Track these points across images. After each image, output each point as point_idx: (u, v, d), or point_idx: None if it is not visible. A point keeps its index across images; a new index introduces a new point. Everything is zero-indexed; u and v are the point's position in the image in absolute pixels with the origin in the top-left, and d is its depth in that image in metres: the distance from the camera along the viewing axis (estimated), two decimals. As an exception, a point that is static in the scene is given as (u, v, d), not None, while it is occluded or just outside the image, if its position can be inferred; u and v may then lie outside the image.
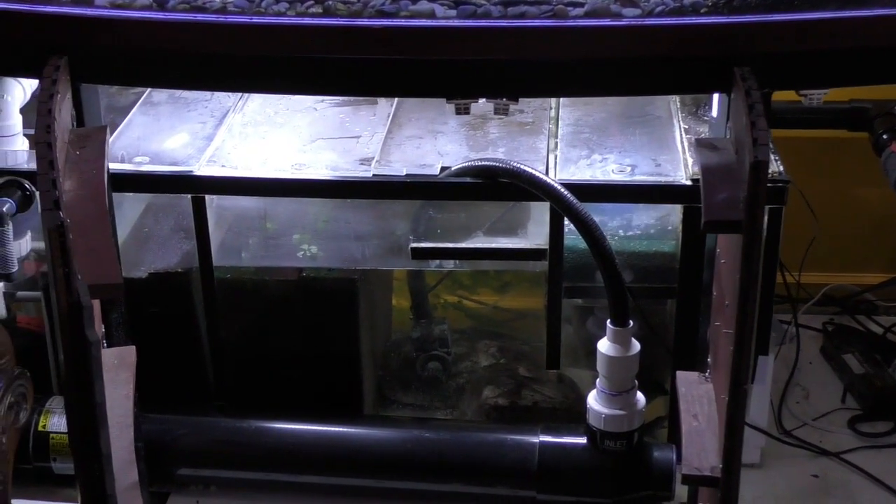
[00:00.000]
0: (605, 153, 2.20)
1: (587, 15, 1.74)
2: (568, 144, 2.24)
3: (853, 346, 2.77)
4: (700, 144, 1.72)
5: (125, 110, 2.37)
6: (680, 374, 1.93)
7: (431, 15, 1.74)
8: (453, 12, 1.75)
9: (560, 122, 2.32)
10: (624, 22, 1.72)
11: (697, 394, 1.86)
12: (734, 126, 1.71)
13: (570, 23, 1.73)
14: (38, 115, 1.62)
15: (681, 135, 2.24)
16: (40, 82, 1.72)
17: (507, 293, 2.59)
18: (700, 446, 1.73)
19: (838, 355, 2.77)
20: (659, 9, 1.73)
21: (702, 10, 1.73)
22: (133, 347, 1.89)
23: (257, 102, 2.40)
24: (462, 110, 2.00)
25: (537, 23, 1.73)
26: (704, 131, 2.23)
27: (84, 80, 1.84)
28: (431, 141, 2.26)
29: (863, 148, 2.46)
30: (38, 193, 2.18)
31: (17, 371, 1.34)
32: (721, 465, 1.65)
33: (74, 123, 1.82)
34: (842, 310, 2.95)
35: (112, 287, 1.40)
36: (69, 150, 1.69)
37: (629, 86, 1.81)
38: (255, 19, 1.75)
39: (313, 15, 1.75)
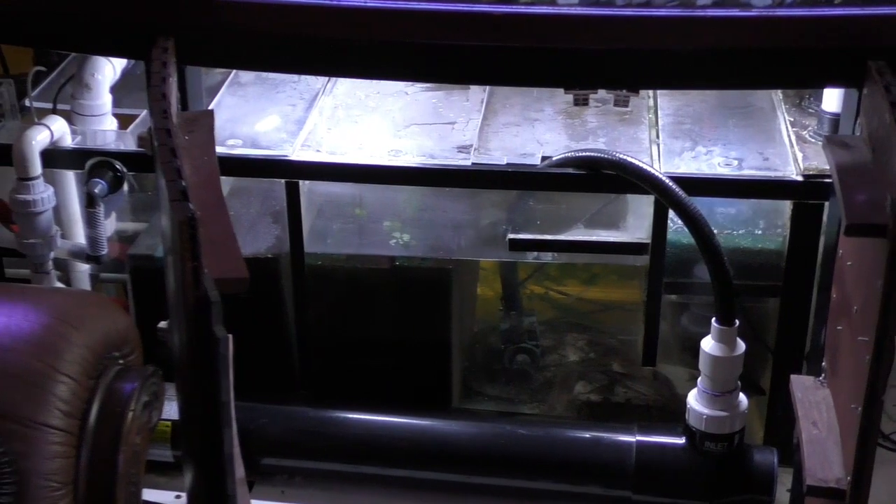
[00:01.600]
0: (710, 145, 2.13)
1: (715, 4, 1.67)
2: (670, 136, 2.18)
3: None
4: (831, 142, 1.65)
5: (212, 91, 2.32)
6: (795, 378, 1.86)
7: (553, 2, 1.68)
8: (575, 0, 1.69)
9: (659, 112, 2.26)
10: (754, 12, 1.66)
11: (815, 399, 1.79)
12: (867, 123, 1.64)
13: (698, 12, 1.66)
14: (151, 99, 1.57)
15: (786, 127, 2.17)
16: (150, 64, 1.67)
17: (594, 285, 2.53)
18: (823, 457, 1.67)
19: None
20: (791, -1, 1.66)
21: (836, 1, 1.66)
22: (229, 337, 1.84)
23: (347, 85, 2.35)
24: (581, 101, 1.94)
25: (663, 12, 1.66)
26: (812, 124, 2.16)
27: (190, 63, 1.80)
28: (529, 129, 2.21)
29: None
30: (128, 174, 2.14)
31: (150, 369, 1.29)
32: (848, 478, 1.59)
33: (179, 106, 1.77)
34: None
35: (238, 281, 1.35)
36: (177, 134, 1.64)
37: (755, 79, 1.75)
38: (370, 3, 1.69)
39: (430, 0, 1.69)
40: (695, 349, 2.07)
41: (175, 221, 1.30)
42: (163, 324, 2.01)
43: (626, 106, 2.08)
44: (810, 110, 2.21)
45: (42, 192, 2.10)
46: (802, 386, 1.84)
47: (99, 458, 1.23)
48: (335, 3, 1.69)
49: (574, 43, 1.68)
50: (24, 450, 1.14)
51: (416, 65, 1.73)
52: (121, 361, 1.29)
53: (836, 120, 2.05)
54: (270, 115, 2.24)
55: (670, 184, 1.96)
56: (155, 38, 1.72)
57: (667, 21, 1.66)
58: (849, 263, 1.73)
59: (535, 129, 2.20)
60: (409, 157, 2.10)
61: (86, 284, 2.31)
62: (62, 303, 1.26)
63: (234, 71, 2.36)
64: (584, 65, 1.71)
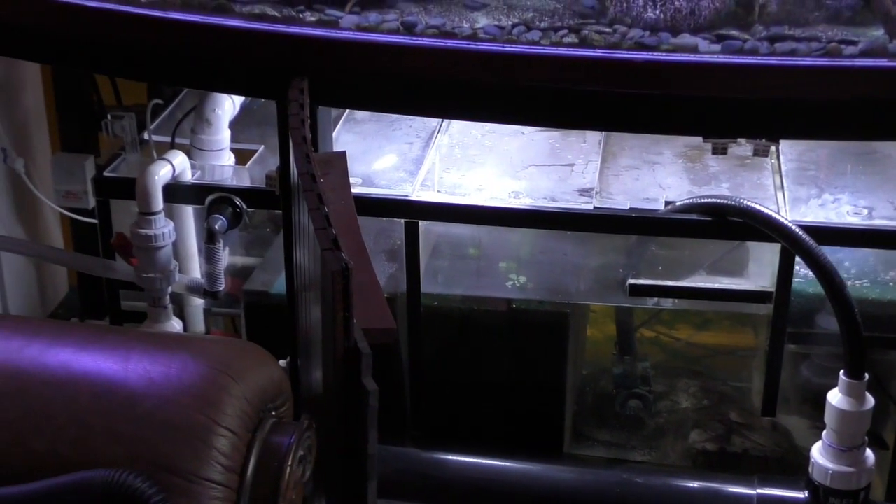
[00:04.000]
0: (837, 193, 2.09)
1: (862, 54, 1.63)
2: (794, 182, 2.14)
3: None
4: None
5: (328, 127, 2.32)
6: (929, 435, 1.81)
7: (695, 49, 1.66)
8: (717, 47, 1.66)
9: (781, 158, 2.21)
10: (903, 63, 1.62)
11: (951, 459, 1.74)
12: None
13: (845, 62, 1.63)
14: (293, 142, 1.56)
15: (916, 176, 2.12)
16: (287, 105, 1.67)
17: (706, 331, 2.49)
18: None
19: None
20: (941, 50, 1.62)
21: None
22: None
23: (462, 123, 2.34)
24: (719, 150, 1.91)
25: (809, 61, 1.63)
26: (941, 173, 2.11)
27: (323, 104, 1.79)
28: (650, 173, 2.18)
29: None
30: (246, 212, 2.15)
31: (305, 423, 1.28)
32: None
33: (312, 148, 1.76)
34: None
35: (387, 332, 1.33)
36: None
37: (902, 131, 1.71)
38: (508, 47, 1.68)
39: (568, 45, 1.68)
40: (814, 400, 2.03)
41: (327, 272, 1.28)
42: (282, 362, 2.02)
43: (766, 155, 2.04)
44: (939, 158, 2.16)
45: (163, 227, 2.11)
46: (938, 445, 1.79)
47: (258, 514, 1.22)
48: (473, 46, 1.68)
49: (716, 91, 1.65)
50: (188, 505, 1.13)
51: (555, 111, 1.72)
52: (274, 413, 1.28)
53: (968, 170, 2.01)
54: (388, 154, 2.23)
55: (800, 232, 1.92)
56: (290, 79, 1.72)
57: (811, 71, 1.63)
58: None
59: (655, 173, 2.17)
60: (530, 199, 2.07)
61: (200, 319, 2.32)
62: (220, 353, 1.25)
63: (349, 109, 2.36)
64: (724, 114, 1.68)
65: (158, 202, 2.09)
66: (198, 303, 2.30)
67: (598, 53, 1.66)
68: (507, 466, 2.18)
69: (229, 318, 2.45)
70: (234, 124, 2.29)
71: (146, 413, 1.17)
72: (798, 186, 2.12)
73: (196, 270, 2.26)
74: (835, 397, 1.96)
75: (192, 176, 2.19)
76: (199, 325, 2.33)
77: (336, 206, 1.58)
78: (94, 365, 1.21)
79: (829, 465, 1.98)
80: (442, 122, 2.33)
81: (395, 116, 2.35)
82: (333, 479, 1.39)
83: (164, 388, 1.17)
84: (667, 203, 2.05)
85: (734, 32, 1.70)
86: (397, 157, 2.22)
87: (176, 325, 2.21)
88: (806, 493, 2.02)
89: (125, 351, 1.23)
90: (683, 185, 2.13)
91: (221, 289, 2.17)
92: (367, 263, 1.45)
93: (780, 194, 2.10)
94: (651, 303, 2.21)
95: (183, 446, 1.15)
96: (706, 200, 2.02)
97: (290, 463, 1.22)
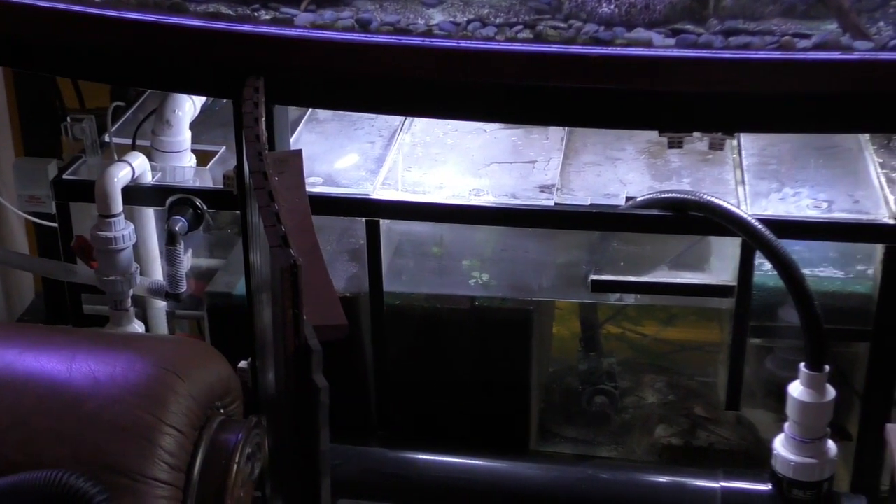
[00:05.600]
0: (797, 187, 2.09)
1: (816, 47, 1.64)
2: (755, 176, 2.14)
3: None
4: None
5: (290, 127, 2.30)
6: (890, 427, 1.82)
7: (649, 44, 1.66)
8: (672, 41, 1.66)
9: (743, 152, 2.22)
10: (856, 56, 1.62)
11: (913, 449, 1.75)
12: (974, 169, 1.60)
13: (799, 55, 1.63)
14: (246, 140, 1.56)
15: (875, 169, 2.13)
16: (241, 104, 1.66)
17: (672, 326, 2.49)
18: (924, 509, 1.63)
19: None
20: (893, 42, 1.63)
21: (941, 45, 1.62)
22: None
23: (424, 122, 2.33)
24: (675, 144, 1.91)
25: (762, 55, 1.63)
26: (902, 166, 2.12)
27: (279, 102, 1.78)
28: (611, 169, 2.18)
29: None
30: (207, 212, 2.14)
31: (253, 420, 1.27)
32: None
33: (267, 147, 1.76)
34: None
35: (337, 328, 1.33)
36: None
37: (856, 123, 1.72)
38: (462, 44, 1.68)
39: (523, 41, 1.68)
40: (779, 393, 2.03)
41: (276, 269, 1.28)
42: (243, 363, 2.01)
43: (722, 149, 2.05)
44: (900, 151, 2.17)
45: (123, 230, 2.10)
46: (899, 435, 1.79)
47: (204, 513, 1.22)
48: (428, 43, 1.68)
49: (670, 85, 1.65)
50: (133, 504, 1.12)
51: (508, 107, 1.71)
52: (222, 411, 1.27)
53: (927, 162, 2.02)
54: (349, 153, 2.23)
55: (760, 226, 1.92)
56: (245, 78, 1.71)
57: (765, 64, 1.63)
58: (951, 312, 1.68)
59: (617, 169, 2.17)
60: (492, 196, 2.07)
61: (163, 321, 2.31)
62: (167, 351, 1.24)
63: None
64: (680, 108, 1.68)
65: (118, 204, 2.08)
66: (160, 305, 2.29)
67: (553, 49, 1.66)
68: (474, 464, 2.18)
69: (194, 320, 2.43)
70: (196, 125, 2.28)
71: (91, 413, 1.16)
72: (759, 181, 2.12)
73: (158, 273, 2.25)
74: (796, 389, 1.96)
75: (153, 178, 2.18)
76: (162, 327, 2.32)
77: (290, 204, 1.58)
78: (38, 366, 1.20)
79: (792, 457, 1.98)
80: (404, 120, 2.33)
81: (357, 116, 2.35)
82: (288, 477, 1.38)
83: (110, 388, 1.16)
84: (628, 199, 2.06)
85: (689, 26, 1.70)
86: (359, 157, 2.22)
87: (138, 327, 2.20)
88: (770, 486, 2.02)
89: (71, 351, 1.22)
90: (645, 181, 2.13)
91: (183, 291, 2.16)
92: (319, 261, 1.44)
93: (740, 189, 2.10)
94: (614, 299, 2.21)
95: (128, 445, 1.14)
96: (667, 196, 2.02)
97: (237, 460, 1.21)
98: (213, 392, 1.26)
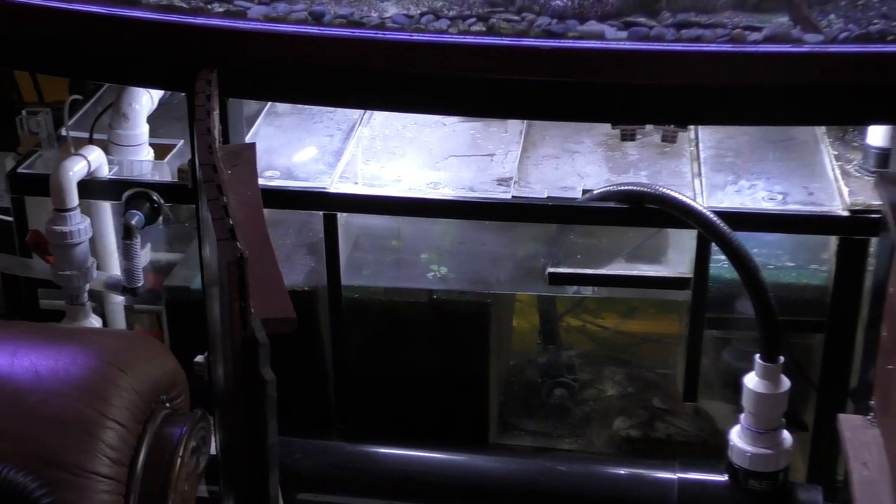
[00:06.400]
0: (753, 179, 2.10)
1: (766, 40, 1.65)
2: (712, 169, 2.15)
3: None
4: (885, 179, 1.62)
5: (249, 121, 2.30)
6: (843, 417, 1.83)
7: (601, 36, 1.66)
8: (624, 34, 1.67)
9: (700, 145, 2.23)
10: (806, 48, 1.63)
11: (865, 439, 1.76)
12: (922, 161, 1.61)
13: (749, 48, 1.64)
14: (197, 133, 1.55)
15: (830, 161, 2.14)
16: (194, 97, 1.65)
17: (632, 318, 2.50)
18: (875, 499, 1.64)
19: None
20: (843, 35, 1.64)
21: (888, 38, 1.63)
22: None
23: (384, 115, 2.33)
24: (628, 136, 1.92)
25: (714, 47, 1.64)
26: (856, 158, 2.13)
27: (233, 95, 1.78)
28: (569, 161, 2.18)
29: None
30: (164, 206, 2.13)
31: (199, 414, 1.27)
32: (903, 522, 1.56)
33: (221, 140, 1.75)
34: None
35: (286, 321, 1.33)
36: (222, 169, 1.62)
37: (807, 115, 1.73)
38: (415, 36, 1.68)
39: (476, 33, 1.68)
40: (736, 385, 2.04)
41: (223, 261, 1.27)
42: (199, 358, 2.00)
43: (675, 141, 2.05)
44: (854, 144, 2.17)
45: (79, 224, 2.09)
46: (851, 425, 1.81)
47: (148, 507, 1.21)
48: (381, 36, 1.68)
49: (623, 78, 1.66)
50: (74, 499, 1.12)
51: (463, 99, 1.72)
52: (168, 405, 1.27)
53: (881, 154, 2.03)
54: (308, 147, 2.22)
55: (714, 218, 1.93)
56: (198, 70, 1.70)
57: (717, 57, 1.64)
58: (902, 302, 1.70)
59: (574, 162, 2.18)
60: (449, 189, 2.07)
61: (121, 316, 2.30)
62: (110, 345, 1.24)
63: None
64: (632, 100, 1.69)
65: (73, 198, 2.07)
66: (118, 300, 2.28)
67: (506, 41, 1.66)
68: (433, 457, 2.18)
69: (153, 315, 2.42)
70: (154, 119, 2.27)
71: (31, 407, 1.15)
72: (715, 173, 2.13)
73: (115, 267, 2.24)
74: (751, 381, 1.97)
75: (110, 171, 2.16)
76: (120, 322, 2.31)
77: (243, 197, 1.57)
78: (-22, 361, 1.19)
79: (748, 447, 2.00)
80: (363, 114, 2.33)
81: (316, 109, 2.34)
82: (237, 471, 1.38)
83: (51, 382, 1.16)
84: (585, 191, 2.06)
85: (641, 19, 1.71)
86: (317, 150, 2.21)
87: (95, 322, 2.19)
88: (726, 477, 2.03)
89: (13, 346, 1.21)
90: (602, 174, 2.14)
91: (140, 285, 2.15)
92: (269, 254, 1.44)
93: (697, 181, 2.11)
94: (571, 291, 2.21)
95: (69, 440, 1.13)
96: (623, 188, 2.03)
97: (181, 454, 1.21)
98: (157, 385, 1.25)
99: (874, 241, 1.97)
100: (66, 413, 1.15)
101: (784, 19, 1.70)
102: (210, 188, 1.40)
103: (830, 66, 1.63)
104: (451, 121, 2.31)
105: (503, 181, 2.09)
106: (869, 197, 1.98)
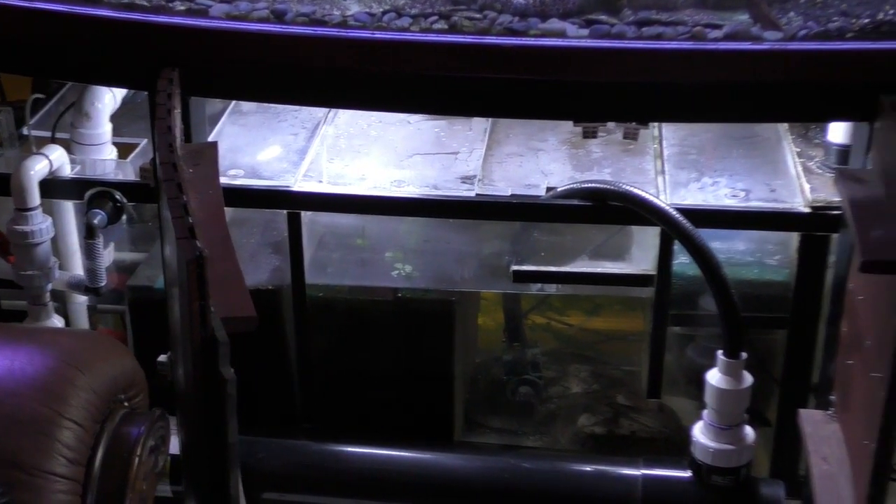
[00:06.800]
0: (716, 177, 2.11)
1: (726, 37, 1.66)
2: (675, 166, 2.16)
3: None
4: (844, 176, 1.64)
5: (213, 120, 2.29)
6: (804, 412, 1.85)
7: (563, 34, 1.67)
8: (585, 32, 1.68)
9: (664, 143, 2.24)
10: (765, 46, 1.65)
11: (824, 434, 1.78)
12: (881, 158, 1.63)
13: (710, 46, 1.65)
14: (157, 132, 1.55)
15: (793, 158, 2.15)
16: (155, 96, 1.65)
17: (597, 315, 2.51)
18: (834, 492, 1.66)
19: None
20: (802, 33, 1.65)
21: (847, 36, 1.65)
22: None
23: (348, 114, 2.33)
24: (590, 134, 1.92)
25: (674, 45, 1.65)
26: (818, 155, 2.14)
27: (195, 94, 1.77)
28: (533, 159, 2.19)
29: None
30: (128, 205, 2.12)
31: (157, 413, 1.27)
32: (862, 514, 1.57)
33: (183, 139, 1.75)
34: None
35: (246, 320, 1.33)
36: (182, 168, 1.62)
37: (767, 112, 1.74)
38: (377, 34, 1.68)
39: (438, 31, 1.68)
40: (700, 381, 2.05)
41: (182, 260, 1.27)
42: (162, 357, 1.99)
43: (636, 139, 2.06)
44: (816, 141, 2.19)
45: (40, 223, 2.08)
46: (812, 420, 1.82)
47: (105, 506, 1.20)
48: (342, 34, 1.68)
49: (584, 76, 1.67)
50: (30, 499, 1.11)
51: (425, 97, 1.72)
52: (126, 404, 1.26)
53: (842, 151, 2.04)
54: (272, 145, 2.22)
55: (677, 215, 1.94)
56: (160, 69, 1.70)
57: (678, 54, 1.65)
58: (860, 298, 1.71)
59: (538, 160, 2.18)
60: (413, 187, 2.07)
61: (83, 316, 2.29)
62: (68, 345, 1.23)
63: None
64: (594, 98, 1.69)
65: (35, 198, 2.06)
66: (81, 300, 2.27)
67: (468, 39, 1.67)
68: (399, 456, 2.18)
69: (117, 314, 2.41)
70: (117, 118, 2.26)
71: (-13, 407, 1.15)
72: (678, 170, 2.14)
73: (78, 267, 2.23)
74: (714, 377, 1.99)
75: (72, 171, 2.15)
76: (82, 322, 2.30)
77: (204, 196, 1.57)
78: (-65, 360, 1.18)
79: (711, 443, 2.01)
80: (328, 112, 2.33)
81: (281, 108, 2.34)
82: (198, 470, 1.38)
83: (7, 382, 1.15)
84: (548, 189, 2.07)
85: (602, 17, 1.71)
86: (282, 149, 2.21)
87: (57, 322, 2.18)
88: (689, 472, 2.05)
89: (-30, 345, 1.21)
90: (566, 172, 2.14)
91: (103, 285, 2.14)
92: (230, 253, 1.44)
93: (660, 178, 2.12)
94: (535, 289, 2.22)
95: (25, 440, 1.13)
96: (587, 186, 2.03)
97: (139, 453, 1.21)
98: (115, 385, 1.25)
99: (835, 237, 1.99)
100: (22, 413, 1.14)
101: (744, 17, 1.71)
102: (170, 187, 1.40)
103: (790, 63, 1.64)
104: (416, 119, 2.32)
105: (467, 179, 2.10)
106: (830, 194, 1.99)
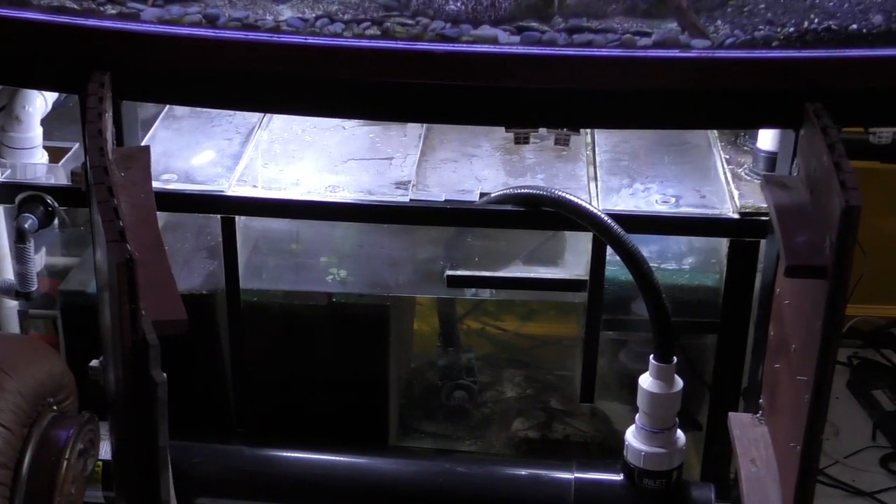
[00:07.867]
0: (647, 183, 2.14)
1: (655, 45, 1.68)
2: (608, 172, 2.18)
3: (882, 382, 2.73)
4: (770, 183, 1.67)
5: (146, 124, 2.28)
6: (733, 415, 1.88)
7: (494, 41, 1.68)
8: (517, 38, 1.69)
9: (597, 149, 2.26)
10: (693, 53, 1.67)
11: (753, 437, 1.80)
12: (805, 164, 1.66)
13: (639, 53, 1.67)
14: (88, 135, 1.54)
15: (722, 165, 2.19)
16: (86, 99, 1.64)
17: (532, 321, 2.53)
18: (762, 494, 1.68)
19: (867, 391, 2.73)
20: (729, 41, 1.68)
21: (773, 44, 1.68)
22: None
23: (283, 119, 2.33)
24: (521, 140, 1.94)
25: (604, 52, 1.67)
26: (747, 162, 2.18)
27: (126, 97, 1.76)
28: (467, 165, 2.20)
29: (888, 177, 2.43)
30: (59, 209, 2.10)
31: (86, 416, 1.26)
32: (787, 516, 1.60)
33: (115, 143, 1.74)
34: (864, 343, 2.91)
35: (177, 323, 1.32)
36: (114, 171, 1.61)
37: (695, 119, 1.77)
38: (310, 40, 1.68)
39: (371, 37, 1.69)
40: (632, 386, 2.07)
41: (112, 263, 1.27)
42: (94, 362, 1.98)
43: (567, 145, 2.08)
44: (745, 148, 2.23)
45: (-30, 228, 2.06)
46: (741, 423, 1.85)
47: (33, 510, 1.20)
48: (274, 39, 1.68)
49: (514, 82, 1.68)
50: (-44, 502, 1.10)
51: (356, 102, 1.72)
52: (55, 408, 1.26)
53: (771, 158, 2.08)
54: (206, 150, 2.21)
55: (608, 221, 1.96)
56: (90, 72, 1.69)
57: (607, 61, 1.67)
58: (786, 302, 1.74)
59: (473, 166, 2.20)
60: (347, 192, 2.08)
61: (14, 321, 2.26)
62: (-5, 348, 1.22)
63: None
64: (524, 104, 1.71)
65: (-36, 202, 2.04)
66: (12, 305, 2.25)
67: (400, 45, 1.68)
68: (333, 460, 2.18)
69: (48, 319, 2.39)
70: (50, 122, 2.24)
71: (-89, 411, 1.13)
72: (611, 176, 2.17)
73: (9, 271, 2.21)
74: (645, 381, 2.01)
75: (2, 175, 2.13)
76: (14, 327, 2.28)
77: (135, 199, 1.57)
78: None
79: (642, 447, 2.03)
80: (262, 117, 2.32)
81: (215, 112, 2.33)
82: (129, 475, 1.37)
83: (-68, 385, 1.14)
84: (482, 195, 2.08)
85: (534, 24, 1.73)
86: (216, 153, 2.20)
87: (-13, 327, 2.16)
88: (621, 476, 2.07)
89: None
90: (500, 177, 2.16)
91: (34, 289, 2.12)
92: (161, 256, 1.44)
93: (593, 184, 2.14)
94: (470, 294, 2.23)
95: (-50, 443, 1.12)
96: (520, 191, 2.05)
97: (67, 456, 1.20)
98: (43, 388, 1.24)
99: (764, 242, 2.02)
100: (-52, 416, 1.13)
101: (673, 25, 1.73)
102: (100, 190, 1.40)
103: (717, 70, 1.67)
104: (351, 124, 2.32)
105: (401, 184, 2.11)
106: (758, 200, 2.03)
